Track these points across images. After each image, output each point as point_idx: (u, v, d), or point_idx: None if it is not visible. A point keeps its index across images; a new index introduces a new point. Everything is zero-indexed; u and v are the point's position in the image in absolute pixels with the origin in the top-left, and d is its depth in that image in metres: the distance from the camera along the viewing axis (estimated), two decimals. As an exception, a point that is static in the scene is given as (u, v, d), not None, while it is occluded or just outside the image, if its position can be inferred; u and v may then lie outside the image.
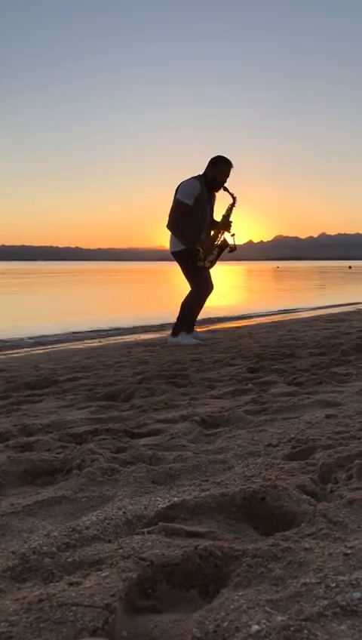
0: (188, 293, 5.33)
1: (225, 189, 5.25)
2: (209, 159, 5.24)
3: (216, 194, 5.35)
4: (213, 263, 5.36)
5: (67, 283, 24.66)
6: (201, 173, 5.24)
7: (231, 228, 5.35)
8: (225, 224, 5.35)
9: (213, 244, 5.33)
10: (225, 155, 5.25)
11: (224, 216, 5.36)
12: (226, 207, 5.37)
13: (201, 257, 5.25)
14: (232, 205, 5.34)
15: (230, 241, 5.38)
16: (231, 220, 5.35)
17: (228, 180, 5.25)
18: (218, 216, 5.43)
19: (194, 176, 5.19)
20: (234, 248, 5.39)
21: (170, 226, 5.21)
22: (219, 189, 5.26)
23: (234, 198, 5.29)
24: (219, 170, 5.20)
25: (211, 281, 5.40)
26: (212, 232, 5.38)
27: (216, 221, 5.39)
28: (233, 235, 5.36)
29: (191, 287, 5.31)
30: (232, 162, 5.22)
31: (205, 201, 5.18)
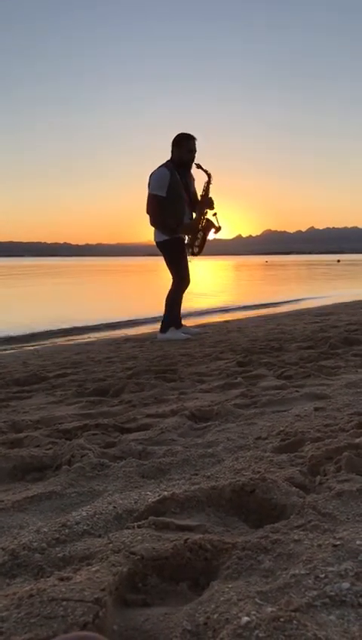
0: (170, 287, 5.31)
1: (198, 166, 5.14)
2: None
3: (193, 173, 5.25)
4: (201, 248, 5.29)
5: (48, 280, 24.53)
6: (169, 158, 5.12)
7: (213, 205, 5.24)
8: (205, 203, 5.24)
9: (196, 229, 5.24)
10: (185, 132, 5.10)
11: (202, 195, 5.25)
12: (203, 187, 5.26)
13: (188, 244, 5.20)
14: (208, 182, 5.23)
15: (213, 221, 5.28)
16: (210, 197, 5.24)
17: (196, 155, 5.13)
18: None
19: (162, 164, 5.07)
20: (219, 228, 5.29)
21: (151, 220, 5.15)
22: (191, 166, 5.15)
23: (208, 175, 5.19)
24: (182, 148, 5.07)
25: (189, 276, 5.33)
26: (193, 215, 5.28)
27: (198, 201, 5.29)
28: (215, 214, 5.26)
29: (173, 278, 5.27)
30: (194, 135, 5.10)
31: (179, 185, 5.07)
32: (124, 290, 15.69)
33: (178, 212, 5.10)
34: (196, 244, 5.27)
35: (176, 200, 5.07)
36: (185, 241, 5.23)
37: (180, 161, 5.08)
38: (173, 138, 5.12)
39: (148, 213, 5.13)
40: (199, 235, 5.26)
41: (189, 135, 5.10)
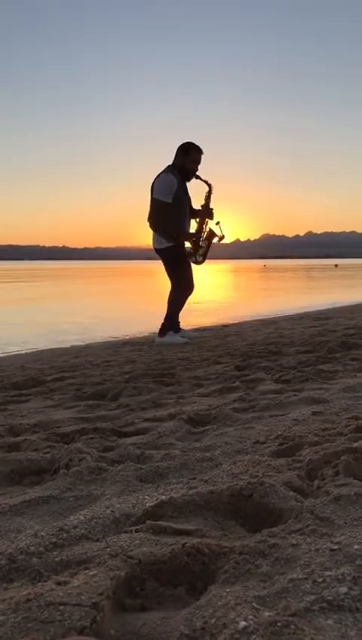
0: (170, 291, 5.32)
1: (198, 177, 5.13)
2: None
3: (188, 183, 5.23)
4: (204, 257, 5.32)
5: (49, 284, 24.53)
6: (171, 163, 5.09)
7: (214, 215, 5.27)
8: (207, 213, 5.27)
9: (199, 238, 5.27)
10: (195, 143, 5.09)
11: (203, 205, 5.27)
12: (204, 196, 5.28)
13: (191, 253, 5.21)
14: (209, 192, 5.25)
15: (216, 230, 5.31)
16: (211, 207, 5.27)
17: (198, 168, 5.13)
18: (195, 206, 5.33)
19: (166, 170, 5.03)
20: (222, 237, 5.31)
21: (152, 226, 5.13)
22: (191, 178, 5.14)
23: (209, 185, 5.21)
24: (189, 158, 5.05)
25: (193, 282, 5.33)
26: (194, 223, 5.30)
27: (195, 210, 5.30)
28: (218, 223, 5.29)
29: (172, 285, 5.28)
30: (202, 150, 5.10)
31: (183, 193, 5.09)
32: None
33: (181, 220, 5.13)
34: (200, 252, 5.29)
35: (180, 208, 5.08)
36: (189, 249, 5.24)
37: (182, 168, 5.07)
38: (181, 143, 5.09)
39: (150, 218, 5.12)
40: (203, 244, 5.29)
41: (199, 148, 5.10)
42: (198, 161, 5.11)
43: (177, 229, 5.09)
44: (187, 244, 5.27)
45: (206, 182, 5.19)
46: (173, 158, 5.11)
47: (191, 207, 5.29)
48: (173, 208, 5.00)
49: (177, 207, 5.04)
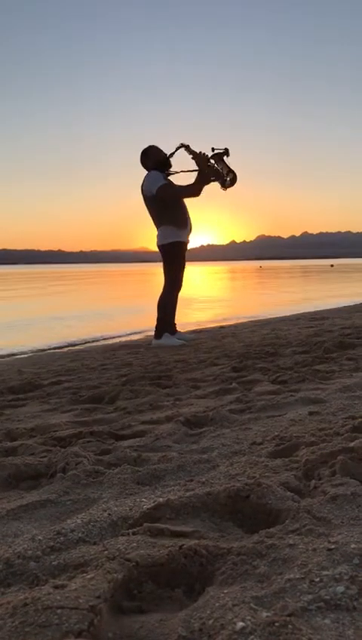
0: (162, 292, 5.34)
1: (172, 155, 5.24)
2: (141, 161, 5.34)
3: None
4: (232, 172, 5.07)
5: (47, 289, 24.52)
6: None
7: (201, 157, 5.12)
8: (198, 161, 5.15)
9: (208, 167, 5.10)
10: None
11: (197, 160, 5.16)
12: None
13: (217, 179, 5.09)
14: (198, 153, 5.12)
15: (212, 156, 5.10)
16: (199, 153, 5.13)
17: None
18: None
19: (147, 173, 5.22)
20: (225, 150, 5.10)
21: (156, 223, 5.25)
22: (169, 163, 5.28)
23: (184, 146, 5.16)
24: (151, 154, 5.28)
25: (181, 281, 5.41)
26: (193, 157, 5.19)
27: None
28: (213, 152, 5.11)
29: (166, 282, 5.33)
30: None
31: (172, 183, 5.24)
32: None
33: (180, 207, 5.22)
34: (223, 173, 5.08)
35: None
36: (212, 179, 5.14)
37: (157, 163, 5.23)
38: (140, 155, 5.34)
39: (153, 218, 5.23)
40: (218, 167, 5.08)
41: (151, 147, 5.33)
42: (160, 151, 5.29)
43: (189, 186, 5.14)
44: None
45: (182, 145, 5.17)
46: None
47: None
48: (171, 185, 5.14)
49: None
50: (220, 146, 5.12)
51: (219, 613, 0.76)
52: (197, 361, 3.90)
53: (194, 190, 5.16)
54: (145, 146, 5.43)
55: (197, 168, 5.15)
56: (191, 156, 5.16)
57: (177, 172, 5.31)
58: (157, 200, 5.15)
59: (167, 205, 5.16)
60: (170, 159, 5.29)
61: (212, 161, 5.10)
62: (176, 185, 5.19)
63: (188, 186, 5.16)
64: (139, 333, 7.29)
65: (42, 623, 0.74)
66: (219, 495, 1.20)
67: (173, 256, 5.28)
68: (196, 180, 5.12)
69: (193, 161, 5.17)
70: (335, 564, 0.86)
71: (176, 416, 2.17)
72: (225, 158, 5.12)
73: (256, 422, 2.02)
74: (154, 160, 5.26)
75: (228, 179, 5.10)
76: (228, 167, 5.10)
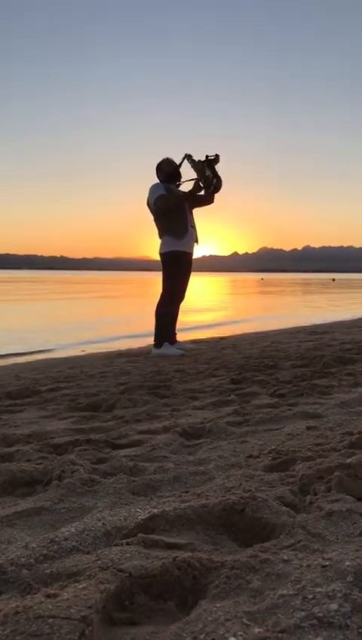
0: (158, 301, 5.35)
1: (181, 165, 5.34)
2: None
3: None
4: (216, 177, 5.20)
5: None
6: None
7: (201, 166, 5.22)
8: (196, 168, 5.25)
9: (201, 176, 5.22)
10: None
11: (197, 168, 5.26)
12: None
13: (205, 185, 5.22)
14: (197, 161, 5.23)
15: (202, 162, 5.20)
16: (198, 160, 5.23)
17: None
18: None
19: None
20: (216, 157, 5.19)
21: (159, 232, 5.33)
22: (178, 174, 5.40)
23: (187, 156, 5.26)
24: (162, 167, 5.41)
25: (184, 293, 5.46)
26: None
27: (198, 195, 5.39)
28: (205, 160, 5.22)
29: (164, 290, 5.34)
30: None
31: (177, 191, 5.36)
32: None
33: (181, 213, 5.26)
34: (211, 178, 5.20)
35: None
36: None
37: (168, 176, 5.37)
38: (156, 167, 5.47)
39: (163, 213, 5.28)
40: (206, 171, 5.19)
41: (163, 160, 5.44)
42: (172, 163, 5.41)
43: (182, 194, 5.30)
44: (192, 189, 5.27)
45: (186, 155, 5.26)
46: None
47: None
48: (169, 195, 5.24)
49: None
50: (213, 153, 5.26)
51: (211, 627, 0.75)
52: (196, 371, 3.90)
53: (181, 200, 5.29)
54: (156, 157, 5.60)
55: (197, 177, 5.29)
56: (191, 165, 5.28)
57: (185, 181, 5.44)
58: (157, 211, 5.28)
59: (165, 215, 5.26)
60: (180, 170, 5.41)
61: (203, 167, 5.22)
62: (168, 198, 5.26)
63: (179, 196, 5.32)
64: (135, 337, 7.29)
65: (33, 632, 0.74)
66: (214, 508, 1.20)
67: (171, 265, 5.30)
68: (191, 189, 5.29)
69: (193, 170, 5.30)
70: (329, 581, 0.86)
71: (173, 427, 2.17)
72: (215, 165, 5.25)
73: (253, 435, 2.01)
74: (166, 173, 5.40)
75: (212, 185, 5.26)
76: (216, 174, 5.24)
